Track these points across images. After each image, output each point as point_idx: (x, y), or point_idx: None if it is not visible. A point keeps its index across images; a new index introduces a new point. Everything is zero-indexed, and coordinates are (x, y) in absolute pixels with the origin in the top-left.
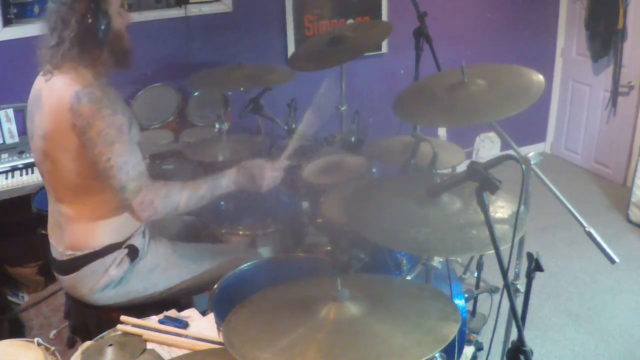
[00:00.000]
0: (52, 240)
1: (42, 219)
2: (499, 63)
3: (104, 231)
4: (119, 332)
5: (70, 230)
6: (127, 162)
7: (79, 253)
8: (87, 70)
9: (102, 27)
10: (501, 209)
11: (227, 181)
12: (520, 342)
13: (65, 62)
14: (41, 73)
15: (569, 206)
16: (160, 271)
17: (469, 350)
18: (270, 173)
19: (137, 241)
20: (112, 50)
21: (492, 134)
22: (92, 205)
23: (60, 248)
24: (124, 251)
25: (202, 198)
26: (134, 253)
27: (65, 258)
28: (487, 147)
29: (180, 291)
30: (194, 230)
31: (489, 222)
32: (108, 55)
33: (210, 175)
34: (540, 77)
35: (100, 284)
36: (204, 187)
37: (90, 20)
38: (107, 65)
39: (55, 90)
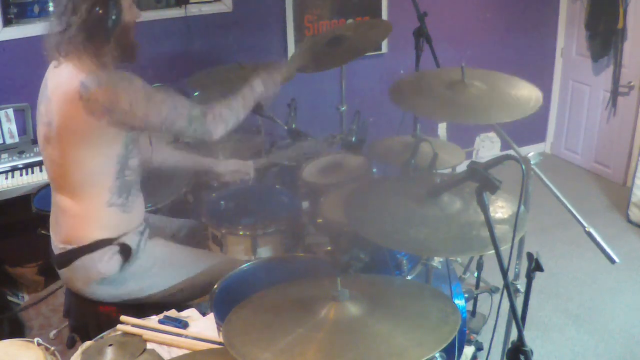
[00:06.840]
0: (52, 233)
1: (42, 219)
2: (500, 67)
3: (94, 226)
4: (119, 332)
5: (65, 223)
6: (174, 101)
7: (69, 247)
8: (91, 60)
9: (113, 18)
10: (501, 209)
11: (257, 84)
12: (520, 342)
13: (71, 50)
14: (52, 63)
15: (569, 206)
16: (156, 272)
17: (469, 350)
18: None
19: (131, 240)
20: (118, 42)
21: (492, 134)
22: (85, 197)
23: (56, 241)
24: (114, 248)
25: (249, 100)
26: (126, 251)
27: (59, 251)
28: (487, 147)
29: (178, 293)
30: (194, 230)
31: (489, 222)
32: (114, 47)
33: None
34: (539, 93)
35: (93, 279)
36: (246, 89)
37: (100, 10)
38: (112, 57)
39: (62, 82)
